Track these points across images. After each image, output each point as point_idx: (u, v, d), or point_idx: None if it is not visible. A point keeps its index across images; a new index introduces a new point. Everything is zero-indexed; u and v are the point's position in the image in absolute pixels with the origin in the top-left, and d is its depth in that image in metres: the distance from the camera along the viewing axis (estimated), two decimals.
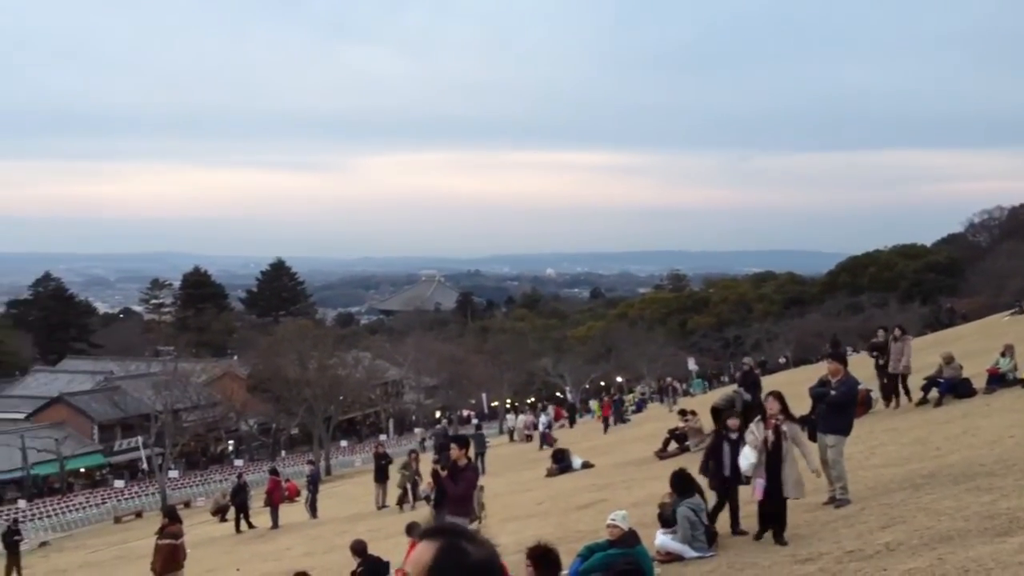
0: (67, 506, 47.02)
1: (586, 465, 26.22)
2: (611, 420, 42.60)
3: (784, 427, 11.17)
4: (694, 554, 11.46)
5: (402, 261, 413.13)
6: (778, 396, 11.45)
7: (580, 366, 76.27)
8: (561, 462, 26.62)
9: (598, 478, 22.85)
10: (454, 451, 12.46)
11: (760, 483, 11.05)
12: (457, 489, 12.10)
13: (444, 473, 12.21)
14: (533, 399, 77.13)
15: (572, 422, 51.97)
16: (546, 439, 39.28)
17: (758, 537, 11.23)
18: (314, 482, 29.97)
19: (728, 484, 11.98)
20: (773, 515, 11.19)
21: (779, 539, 11.06)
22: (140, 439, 55.37)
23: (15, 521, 33.45)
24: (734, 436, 12.01)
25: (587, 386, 76.65)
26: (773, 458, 11.08)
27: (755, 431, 11.28)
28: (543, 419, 43.01)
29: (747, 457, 11.27)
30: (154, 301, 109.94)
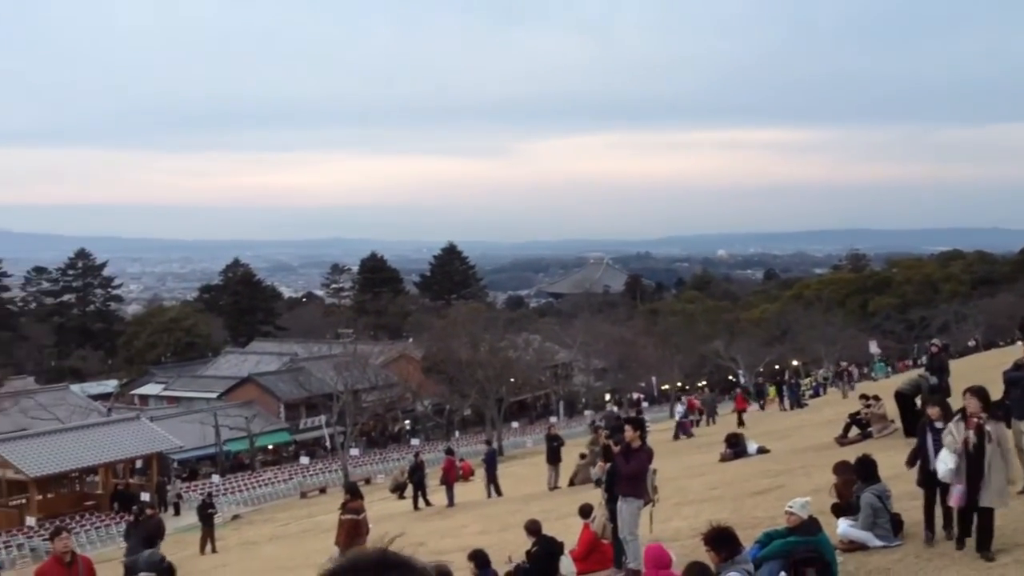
0: (257, 481, 49.45)
1: (762, 450, 25.65)
2: (745, 413, 40.72)
3: (988, 427, 9.84)
4: (878, 543, 11.05)
5: (571, 244, 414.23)
6: (978, 392, 10.05)
7: (753, 349, 74.60)
8: (735, 447, 26.13)
9: (775, 464, 22.31)
10: (628, 432, 12.35)
11: (959, 489, 9.86)
12: (629, 467, 12.01)
13: (616, 449, 12.15)
14: (704, 383, 76.03)
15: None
16: (684, 428, 38.60)
17: (959, 546, 10.14)
18: (491, 462, 30.50)
19: (934, 478, 10.54)
20: (971, 523, 10.03)
21: (984, 552, 9.84)
22: (323, 418, 57.57)
23: (209, 495, 35.42)
24: (939, 425, 10.61)
25: (761, 369, 74.95)
26: (974, 461, 9.76)
27: (955, 432, 9.97)
28: (679, 409, 42.43)
29: (945, 462, 9.97)
30: (334, 286, 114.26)
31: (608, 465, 13.13)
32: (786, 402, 45.85)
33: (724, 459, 25.63)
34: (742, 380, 69.95)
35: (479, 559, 11.52)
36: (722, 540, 8.76)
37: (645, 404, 62.90)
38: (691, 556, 9.99)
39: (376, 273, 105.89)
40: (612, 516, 12.74)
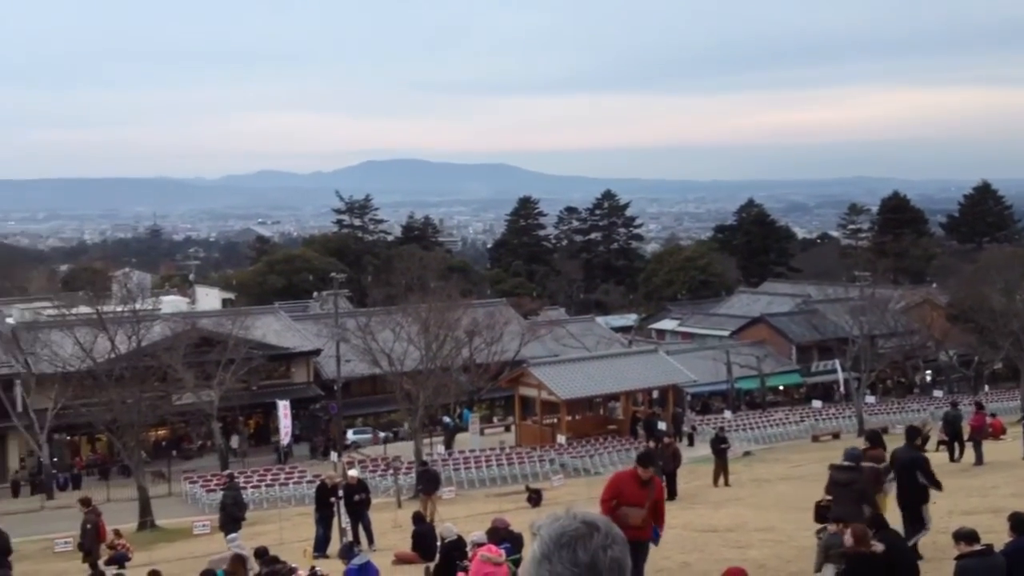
0: (768, 420, 49.66)
1: None
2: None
3: None
4: None
5: None
6: None
7: None
8: None
9: None
10: None
11: None
12: None
13: None
14: None
15: None
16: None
17: None
18: None
19: None
20: None
21: None
22: (837, 362, 56.27)
23: (722, 429, 36.30)
24: None
25: None
26: None
27: None
28: None
29: None
30: (851, 226, 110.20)
31: None
32: None
33: None
34: None
35: (1018, 523, 10.39)
36: None
37: None
38: None
39: (898, 213, 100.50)
40: None
